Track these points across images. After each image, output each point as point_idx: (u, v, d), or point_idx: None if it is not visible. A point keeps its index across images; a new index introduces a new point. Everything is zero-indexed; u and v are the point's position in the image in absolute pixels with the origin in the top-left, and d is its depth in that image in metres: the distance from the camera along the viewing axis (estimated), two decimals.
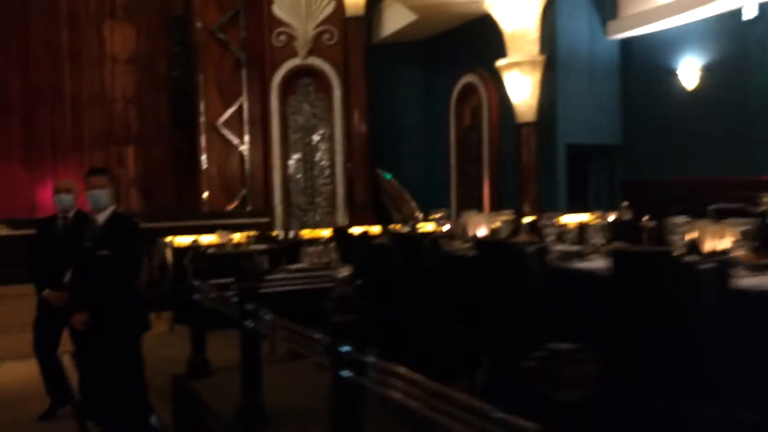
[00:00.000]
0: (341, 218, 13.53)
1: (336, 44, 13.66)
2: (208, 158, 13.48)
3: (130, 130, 13.71)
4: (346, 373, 2.35)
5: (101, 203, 4.40)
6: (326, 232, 7.86)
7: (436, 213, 6.78)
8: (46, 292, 5.39)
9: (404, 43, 14.23)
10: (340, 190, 13.71)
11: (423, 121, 14.53)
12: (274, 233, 9.89)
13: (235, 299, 3.75)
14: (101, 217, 4.43)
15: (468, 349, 3.43)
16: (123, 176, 13.57)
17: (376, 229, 8.30)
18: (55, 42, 13.17)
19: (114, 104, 13.62)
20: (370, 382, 2.18)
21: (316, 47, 13.63)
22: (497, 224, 4.81)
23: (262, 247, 7.10)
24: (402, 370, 2.01)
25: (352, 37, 13.71)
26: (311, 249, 5.75)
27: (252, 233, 7.85)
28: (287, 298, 4.88)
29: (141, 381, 4.69)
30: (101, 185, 4.39)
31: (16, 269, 9.54)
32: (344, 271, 2.47)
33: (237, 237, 7.09)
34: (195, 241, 7.87)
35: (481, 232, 4.71)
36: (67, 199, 5.57)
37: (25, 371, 7.45)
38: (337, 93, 13.69)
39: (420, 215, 13.02)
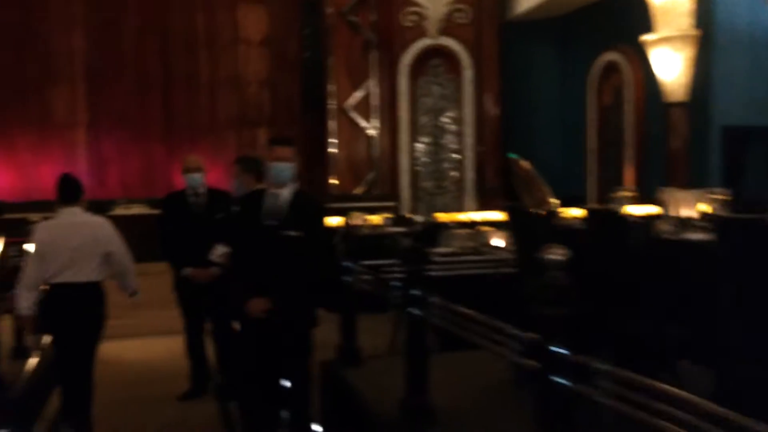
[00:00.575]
0: (470, 203, 13.14)
1: (468, 23, 13.22)
2: (339, 141, 13.37)
3: (262, 113, 13.82)
4: (559, 379, 1.99)
5: (283, 177, 3.82)
6: (463, 216, 7.51)
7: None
8: (189, 271, 5.32)
9: (539, 21, 13.59)
10: (470, 174, 13.30)
11: (558, 102, 13.85)
12: (409, 216, 9.62)
13: (396, 283, 3.44)
14: (284, 193, 3.91)
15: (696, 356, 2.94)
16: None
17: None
18: (191, 27, 13.41)
19: (247, 87, 13.76)
20: (601, 394, 1.81)
21: (447, 26, 13.24)
22: (708, 204, 4.24)
23: (401, 229, 6.84)
24: (662, 386, 1.62)
25: (485, 16, 13.24)
26: (459, 232, 5.41)
27: (387, 215, 7.61)
28: (452, 283, 4.55)
29: (307, 370, 4.50)
30: (287, 157, 3.86)
31: (154, 247, 9.84)
32: (557, 254, 2.06)
33: (374, 219, 6.87)
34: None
35: (687, 212, 4.16)
36: (197, 177, 5.49)
37: (165, 348, 7.56)
38: (467, 74, 13.26)
39: (555, 200, 12.40)
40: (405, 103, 13.28)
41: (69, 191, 4.36)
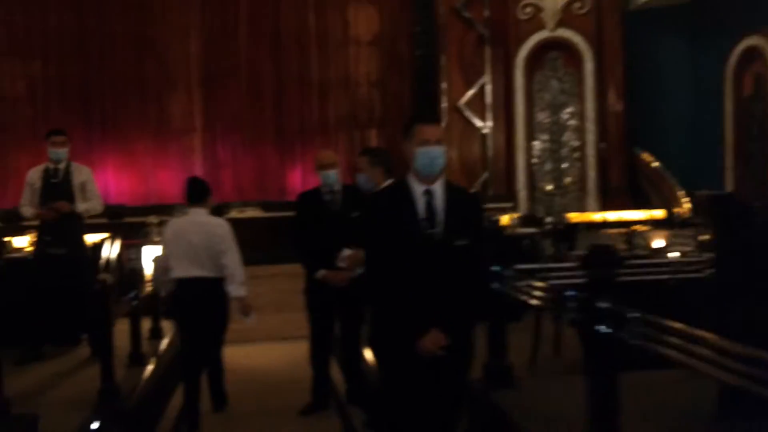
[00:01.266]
0: (592, 204, 12.40)
1: (588, 13, 12.50)
2: (449, 141, 12.96)
3: (373, 114, 13.60)
4: None
5: (436, 167, 2.99)
6: (597, 216, 6.90)
7: None
8: (323, 273, 5.01)
9: (665, 7, 12.67)
10: (592, 173, 12.54)
11: (688, 93, 12.86)
12: (540, 216, 9.09)
13: (570, 292, 2.89)
14: (437, 190, 3.05)
15: None
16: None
17: None
18: (303, 27, 13.35)
19: (358, 88, 13.57)
20: None
21: (566, 17, 12.56)
22: None
23: (533, 230, 6.33)
24: None
25: (606, 4, 12.49)
26: (608, 232, 4.85)
27: (515, 215, 7.13)
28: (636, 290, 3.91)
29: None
30: (438, 139, 3.14)
31: (267, 250, 9.75)
32: None
33: (504, 219, 6.43)
34: None
35: None
36: (333, 173, 5.18)
37: (280, 355, 7.35)
38: (588, 67, 12.52)
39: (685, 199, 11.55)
40: (521, 99, 12.72)
41: (195, 193, 4.79)
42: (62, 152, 6.06)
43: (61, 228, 5.85)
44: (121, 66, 12.92)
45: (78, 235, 5.97)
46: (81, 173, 6.12)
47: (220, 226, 4.71)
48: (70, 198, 5.91)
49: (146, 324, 6.28)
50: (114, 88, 12.91)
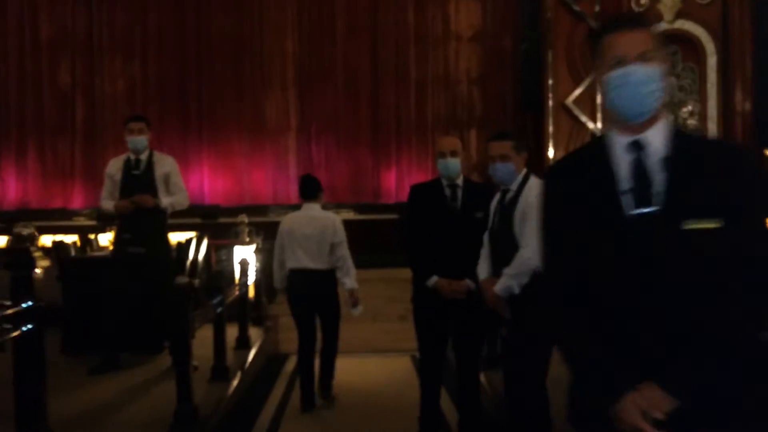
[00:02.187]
0: None
1: (712, 2, 11.43)
2: (555, 141, 12.16)
3: (473, 113, 12.96)
4: None
5: None
6: None
7: None
8: (435, 280, 4.23)
9: None
10: None
11: None
12: None
13: None
14: (653, 140, 1.83)
15: None
16: (466, 161, 12.82)
17: None
18: (401, 23, 12.87)
19: (458, 85, 12.96)
20: None
21: (686, 8, 11.55)
22: None
23: None
24: None
25: None
26: None
27: None
28: None
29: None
30: None
31: (361, 254, 9.28)
32: None
33: None
34: None
35: None
36: (454, 163, 4.29)
37: (381, 370, 6.67)
38: (711, 62, 11.45)
39: None
40: None
41: (308, 189, 4.97)
42: (140, 140, 5.37)
43: (141, 225, 5.22)
44: (218, 65, 12.79)
45: (160, 233, 5.28)
46: (164, 164, 5.43)
47: (332, 220, 4.87)
48: (153, 191, 5.25)
49: (233, 332, 5.81)
50: (210, 88, 12.78)
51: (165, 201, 5.27)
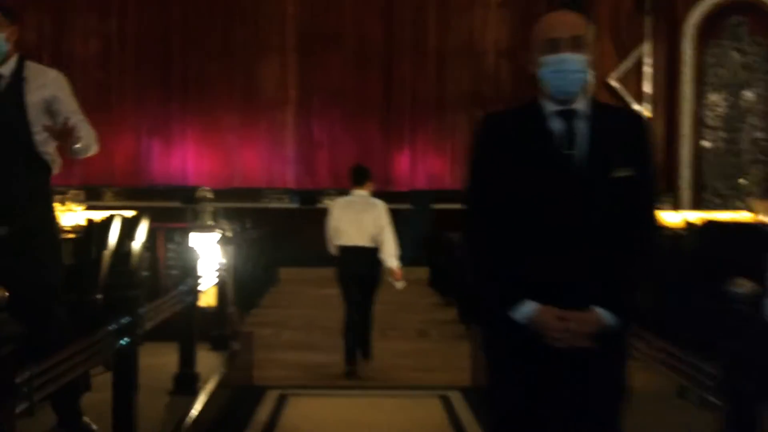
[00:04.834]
0: None
1: None
2: None
3: (500, 90, 11.47)
4: None
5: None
6: None
7: None
8: (533, 312, 1.94)
9: None
10: None
11: None
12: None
13: None
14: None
15: None
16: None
17: None
18: None
19: (483, 58, 11.42)
20: None
21: None
22: None
23: None
24: None
25: None
26: None
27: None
28: None
29: None
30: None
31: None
32: None
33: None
34: None
35: None
36: (575, 64, 1.86)
37: (399, 419, 4.72)
38: None
39: None
40: (689, 75, 10.56)
41: (358, 177, 5.39)
42: None
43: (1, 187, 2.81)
44: (206, 25, 11.26)
45: (39, 203, 2.67)
46: (44, 81, 2.96)
47: (379, 205, 5.39)
48: (20, 127, 2.83)
49: (171, 355, 3.64)
50: (197, 51, 11.26)
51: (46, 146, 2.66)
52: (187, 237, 4.54)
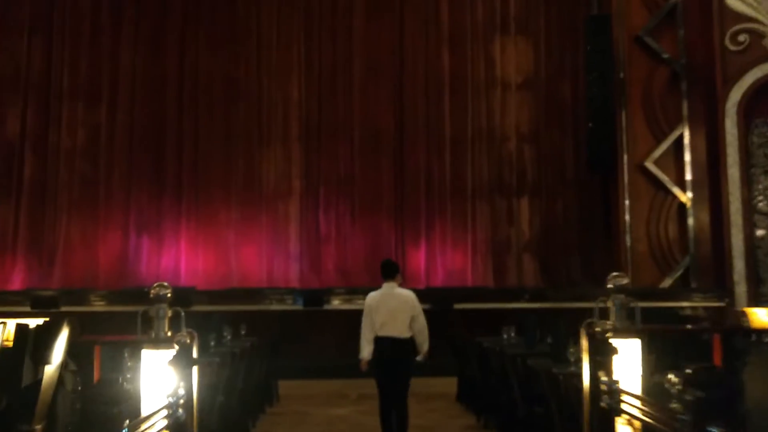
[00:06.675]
0: None
1: None
2: (633, 212, 9.72)
3: (524, 177, 10.57)
4: None
5: None
6: None
7: None
8: None
9: None
10: None
11: None
12: None
13: None
14: None
15: None
16: (514, 238, 10.17)
17: None
18: (433, 66, 10.62)
19: (504, 143, 10.56)
20: None
21: None
22: None
23: None
24: None
25: None
26: None
27: None
28: None
29: None
30: None
31: None
32: None
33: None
34: None
35: None
36: None
37: None
38: None
39: None
40: (735, 156, 9.83)
41: (388, 271, 5.76)
42: None
43: None
44: (204, 114, 10.59)
45: None
46: None
47: (411, 297, 5.75)
48: None
49: None
50: (194, 141, 10.57)
51: None
52: (136, 356, 3.29)
